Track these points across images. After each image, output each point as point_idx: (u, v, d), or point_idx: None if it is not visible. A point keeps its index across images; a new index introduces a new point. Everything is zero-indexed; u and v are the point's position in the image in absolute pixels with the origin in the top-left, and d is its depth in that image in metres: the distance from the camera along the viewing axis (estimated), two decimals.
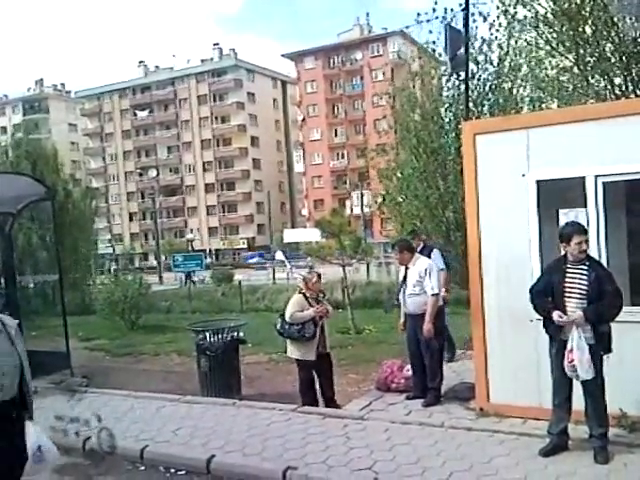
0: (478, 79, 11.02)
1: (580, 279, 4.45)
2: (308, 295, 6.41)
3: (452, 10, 11.06)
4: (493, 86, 11.16)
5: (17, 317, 7.98)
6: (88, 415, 6.16)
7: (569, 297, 4.49)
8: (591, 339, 4.38)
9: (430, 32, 12.05)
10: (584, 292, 4.41)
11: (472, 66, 9.75)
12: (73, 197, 20.88)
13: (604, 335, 4.42)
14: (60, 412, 6.21)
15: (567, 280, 4.50)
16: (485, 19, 10.90)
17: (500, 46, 10.92)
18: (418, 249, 7.17)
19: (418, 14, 11.71)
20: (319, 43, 65.20)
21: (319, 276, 6.51)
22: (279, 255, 32.50)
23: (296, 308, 6.32)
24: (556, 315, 4.45)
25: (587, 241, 4.50)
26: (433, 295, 6.09)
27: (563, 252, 4.58)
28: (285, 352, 6.78)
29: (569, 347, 4.36)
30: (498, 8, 9.78)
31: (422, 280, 6.12)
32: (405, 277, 6.30)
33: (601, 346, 4.40)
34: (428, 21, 11.30)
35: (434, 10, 11.33)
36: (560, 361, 4.51)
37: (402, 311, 6.48)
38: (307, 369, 6.42)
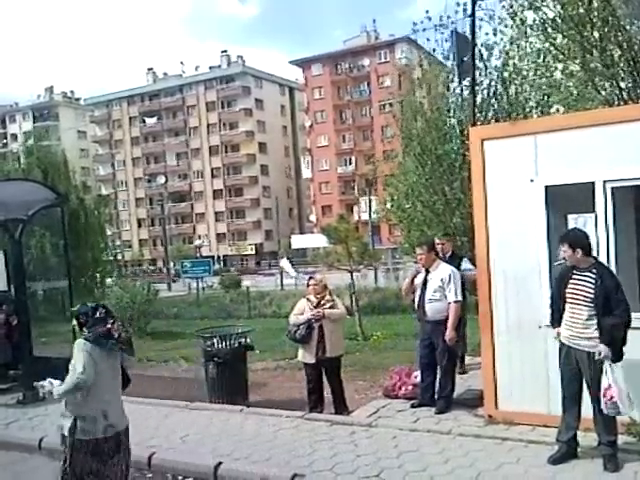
0: (483, 84, 11.01)
1: (584, 285, 4.42)
2: (310, 299, 6.49)
3: (457, 12, 11.05)
4: (499, 91, 11.13)
5: (27, 323, 8.11)
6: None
7: (572, 303, 4.48)
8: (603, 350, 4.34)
9: (436, 41, 12.09)
10: (589, 299, 4.38)
11: (477, 72, 9.74)
12: (85, 204, 20.99)
13: (615, 343, 4.35)
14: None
15: (571, 286, 4.50)
16: (493, 25, 10.89)
17: (507, 52, 10.90)
18: (447, 255, 7.13)
19: (414, 23, 11.77)
20: (326, 50, 65.52)
21: (315, 283, 6.56)
22: (283, 263, 31.87)
23: (294, 311, 6.57)
24: (555, 332, 4.67)
25: (574, 249, 4.44)
26: (456, 302, 5.99)
27: None
28: (293, 357, 6.89)
29: (605, 384, 4.27)
30: (502, 20, 9.79)
31: (443, 286, 6.04)
32: (425, 281, 6.17)
33: (611, 353, 4.35)
34: (424, 30, 11.32)
35: (429, 19, 11.37)
36: (568, 368, 4.49)
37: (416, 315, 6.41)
38: (307, 371, 6.57)
